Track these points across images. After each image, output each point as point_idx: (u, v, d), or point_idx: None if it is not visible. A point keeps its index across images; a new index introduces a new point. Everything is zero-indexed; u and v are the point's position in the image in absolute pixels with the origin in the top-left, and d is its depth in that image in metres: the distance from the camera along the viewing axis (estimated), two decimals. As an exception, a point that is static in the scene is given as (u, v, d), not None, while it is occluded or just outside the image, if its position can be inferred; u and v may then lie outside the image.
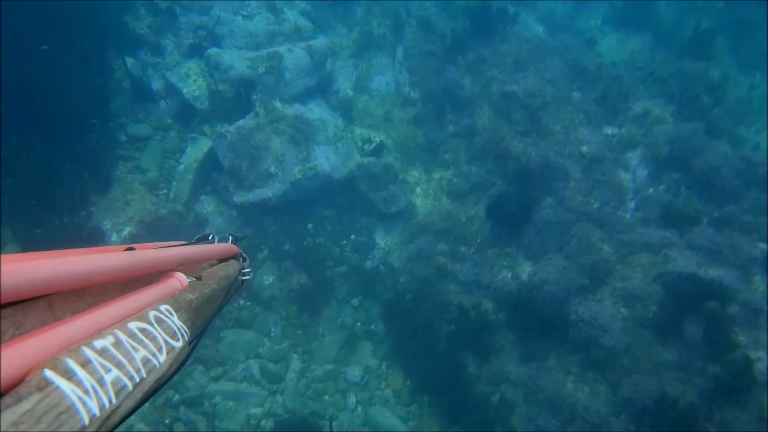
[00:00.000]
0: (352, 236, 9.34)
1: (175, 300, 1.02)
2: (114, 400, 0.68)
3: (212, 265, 1.46)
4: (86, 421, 0.61)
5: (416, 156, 9.96)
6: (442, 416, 7.47)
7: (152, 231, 8.44)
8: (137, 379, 0.75)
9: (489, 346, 7.58)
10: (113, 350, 0.73)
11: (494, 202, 8.72)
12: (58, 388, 0.60)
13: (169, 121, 10.13)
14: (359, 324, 8.52)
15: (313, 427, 7.44)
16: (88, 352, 0.68)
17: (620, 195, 8.50)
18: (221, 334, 8.23)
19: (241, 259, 1.73)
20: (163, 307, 0.96)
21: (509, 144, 9.00)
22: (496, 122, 9.47)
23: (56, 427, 0.57)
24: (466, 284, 8.11)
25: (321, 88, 10.35)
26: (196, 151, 9.56)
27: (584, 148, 8.95)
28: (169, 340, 0.90)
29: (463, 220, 8.76)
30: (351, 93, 10.47)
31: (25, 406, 0.56)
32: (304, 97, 10.00)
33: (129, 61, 10.06)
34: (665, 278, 7.18)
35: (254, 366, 7.92)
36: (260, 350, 8.06)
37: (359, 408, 7.77)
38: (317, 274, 8.78)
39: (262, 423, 7.52)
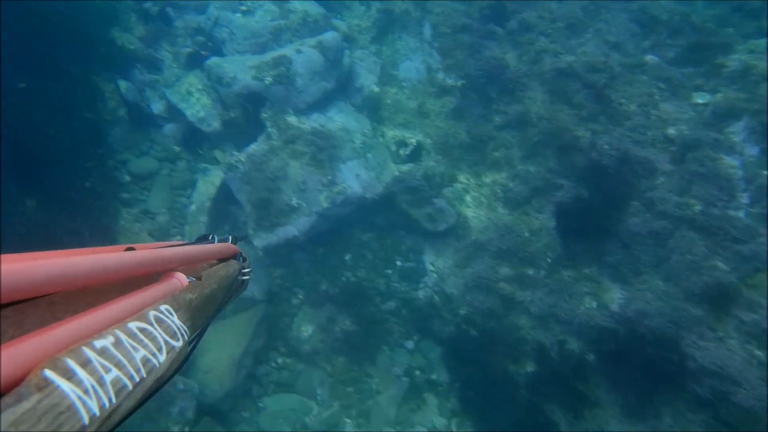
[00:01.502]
0: (398, 262, 7.98)
1: (175, 300, 1.01)
2: (114, 400, 0.66)
3: (212, 265, 1.44)
4: (86, 420, 0.60)
5: (461, 157, 8.39)
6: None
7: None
8: (137, 379, 0.74)
9: (582, 398, 6.19)
10: (113, 350, 0.72)
11: (563, 210, 7.16)
12: (58, 387, 0.59)
13: (177, 149, 8.89)
14: (418, 372, 7.24)
15: None
16: (88, 352, 0.67)
17: (728, 188, 6.72)
18: (260, 404, 7.09)
19: (241, 259, 1.70)
20: (163, 307, 0.95)
21: (573, 134, 7.36)
22: (553, 107, 7.77)
23: (56, 427, 0.56)
24: (540, 318, 6.67)
25: (341, 88, 8.82)
26: (207, 185, 8.33)
27: (671, 131, 7.19)
28: (169, 340, 0.89)
29: (527, 234, 7.24)
30: (376, 88, 8.90)
31: (26, 405, 0.55)
32: (322, 103, 8.53)
33: (122, 84, 8.83)
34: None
35: (302, 444, 6.80)
36: (307, 419, 6.91)
37: (430, 485, 6.56)
38: (363, 315, 7.53)
39: None
